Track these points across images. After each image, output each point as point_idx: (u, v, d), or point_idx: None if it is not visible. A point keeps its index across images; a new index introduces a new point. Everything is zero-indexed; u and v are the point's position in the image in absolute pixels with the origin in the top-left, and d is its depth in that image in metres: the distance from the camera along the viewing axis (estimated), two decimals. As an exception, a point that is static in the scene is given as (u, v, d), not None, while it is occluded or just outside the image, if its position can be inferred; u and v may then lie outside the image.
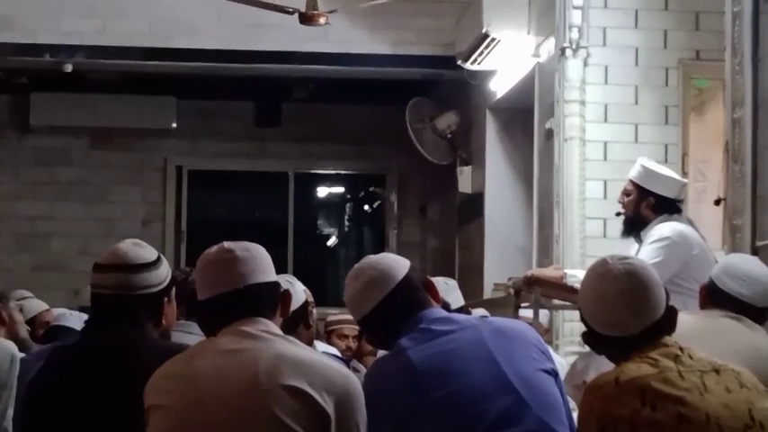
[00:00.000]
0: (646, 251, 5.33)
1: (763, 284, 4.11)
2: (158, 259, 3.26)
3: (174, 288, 3.32)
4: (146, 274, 3.20)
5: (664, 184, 5.50)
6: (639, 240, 5.53)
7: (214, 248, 2.98)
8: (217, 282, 2.92)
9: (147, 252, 3.24)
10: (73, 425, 3.05)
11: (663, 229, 5.36)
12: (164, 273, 3.26)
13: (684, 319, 3.09)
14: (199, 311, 3.01)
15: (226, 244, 2.97)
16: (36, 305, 6.82)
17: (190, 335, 3.78)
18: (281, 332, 2.92)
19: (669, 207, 5.48)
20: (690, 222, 5.48)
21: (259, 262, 2.95)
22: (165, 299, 3.27)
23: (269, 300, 2.96)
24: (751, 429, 2.80)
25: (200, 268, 2.98)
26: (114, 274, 3.19)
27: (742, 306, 4.03)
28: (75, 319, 6.05)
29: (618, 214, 5.67)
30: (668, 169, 5.84)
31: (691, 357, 2.92)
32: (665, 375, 2.84)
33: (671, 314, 3.01)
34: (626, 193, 5.60)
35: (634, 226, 5.54)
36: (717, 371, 2.91)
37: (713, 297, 4.10)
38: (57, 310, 6.82)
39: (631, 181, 5.58)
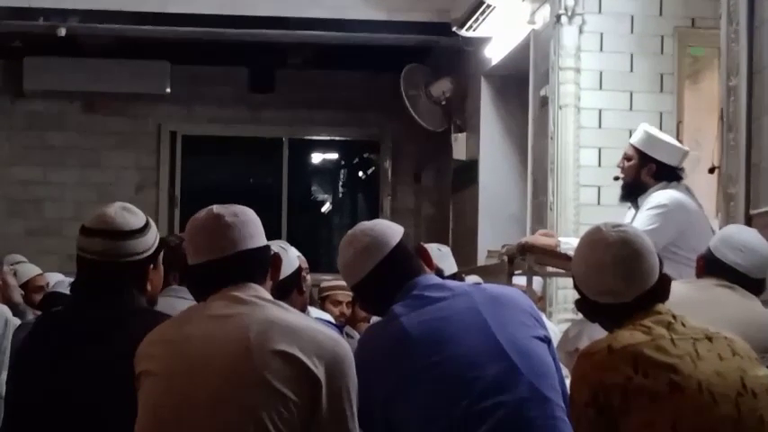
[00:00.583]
0: (642, 217, 5.31)
1: (761, 256, 4.11)
2: (146, 225, 3.23)
3: (161, 253, 3.30)
4: (132, 241, 3.17)
5: (666, 151, 5.45)
6: (636, 206, 5.49)
7: (203, 213, 2.96)
8: (207, 248, 2.91)
9: (135, 218, 3.21)
10: (59, 394, 3.04)
11: (660, 197, 5.33)
12: (151, 239, 3.23)
13: (678, 288, 3.09)
14: (188, 277, 3.00)
15: (215, 209, 2.95)
16: (29, 270, 6.82)
17: (182, 300, 3.78)
18: (271, 297, 2.91)
19: (670, 174, 5.42)
20: (688, 191, 5.44)
21: (249, 227, 2.94)
22: (152, 265, 3.25)
23: (259, 265, 2.95)
24: (743, 397, 2.81)
25: (189, 234, 2.96)
26: (100, 239, 3.16)
27: (738, 276, 4.03)
28: None
29: (616, 179, 5.61)
30: (670, 137, 5.81)
31: (683, 325, 2.92)
32: (658, 343, 2.84)
33: (664, 282, 3.01)
34: (626, 157, 5.53)
35: (633, 191, 5.48)
36: (709, 339, 2.91)
37: (710, 267, 4.10)
38: (52, 276, 6.80)
39: (633, 146, 5.51)
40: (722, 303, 3.90)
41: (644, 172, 5.43)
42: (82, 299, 3.20)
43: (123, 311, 3.12)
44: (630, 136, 7.23)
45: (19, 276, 6.26)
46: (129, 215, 3.21)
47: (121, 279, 3.17)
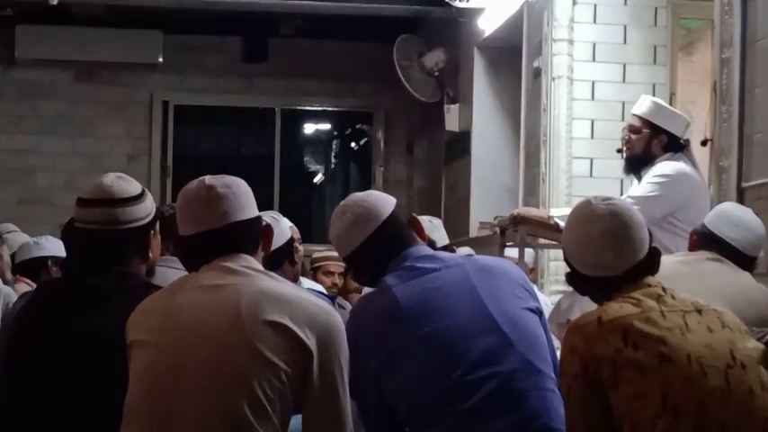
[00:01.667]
0: (643, 185, 5.23)
1: (754, 232, 4.12)
2: (143, 193, 3.23)
3: (158, 221, 3.31)
4: (131, 207, 3.18)
5: (675, 121, 5.36)
6: (640, 178, 5.39)
7: (194, 184, 2.96)
8: (198, 219, 2.91)
9: (132, 186, 3.22)
10: (55, 364, 3.04)
11: (665, 167, 5.24)
12: (149, 206, 3.24)
13: (669, 261, 3.10)
14: (180, 247, 3.00)
15: (207, 180, 2.95)
16: (20, 239, 6.80)
17: (174, 270, 3.77)
18: (262, 268, 2.92)
19: (676, 145, 5.35)
20: (693, 163, 5.38)
21: (240, 198, 2.94)
22: (152, 232, 3.25)
23: (251, 236, 2.95)
24: (732, 369, 2.82)
25: (180, 204, 2.96)
26: (99, 208, 3.16)
27: (731, 252, 4.04)
28: (52, 245, 6.02)
29: (619, 151, 5.52)
30: (672, 107, 5.77)
31: (673, 297, 2.93)
32: (648, 315, 2.85)
33: (654, 255, 3.01)
34: (633, 130, 5.38)
35: (640, 163, 5.36)
36: (699, 311, 2.92)
37: (704, 240, 4.11)
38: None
39: (640, 117, 5.39)
40: (712, 276, 3.91)
41: (655, 143, 5.31)
42: (83, 268, 3.19)
43: (123, 282, 3.12)
44: (624, 108, 7.27)
45: (9, 245, 6.25)
46: (125, 183, 3.22)
47: (123, 247, 3.17)
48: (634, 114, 5.45)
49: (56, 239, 5.90)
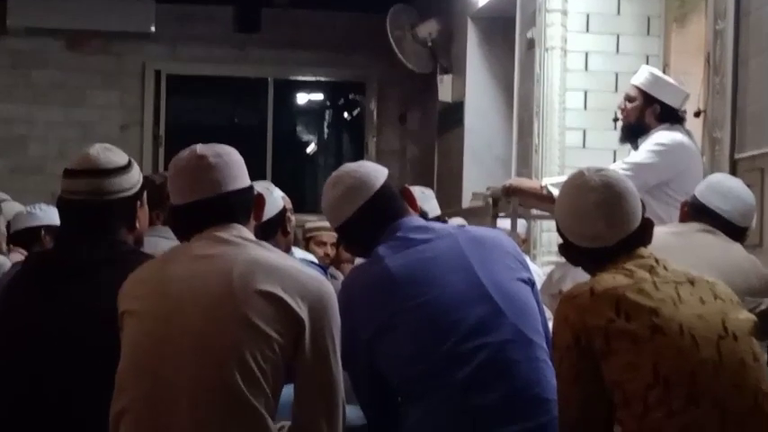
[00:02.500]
0: (639, 153, 5.25)
1: (745, 203, 4.12)
2: (129, 163, 3.23)
3: (145, 192, 3.30)
4: (117, 178, 3.18)
5: (671, 92, 5.38)
6: (637, 148, 5.40)
7: (186, 153, 2.95)
8: (190, 189, 2.90)
9: (118, 156, 3.21)
10: (44, 334, 3.04)
11: (662, 137, 5.26)
12: (135, 176, 3.23)
13: (660, 232, 3.10)
14: (172, 217, 3.00)
15: (198, 149, 2.94)
16: (15, 208, 6.78)
17: (165, 239, 3.77)
18: (254, 238, 2.91)
19: (672, 116, 5.37)
20: (689, 135, 5.40)
21: (232, 168, 2.93)
22: (138, 203, 3.25)
23: (243, 206, 2.95)
24: (724, 340, 2.82)
25: (172, 174, 2.95)
26: (85, 179, 3.16)
27: (722, 223, 4.04)
28: (45, 214, 6.00)
29: (615, 120, 5.55)
30: (672, 79, 5.77)
31: (666, 269, 2.93)
32: (640, 286, 2.85)
33: (647, 226, 3.01)
34: (628, 98, 5.41)
35: (635, 132, 5.37)
36: (691, 282, 2.92)
37: (694, 211, 4.11)
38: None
39: (636, 87, 5.41)
40: (704, 247, 3.91)
41: (648, 113, 5.34)
42: (71, 238, 3.19)
43: (112, 251, 3.12)
44: (617, 79, 7.27)
45: (5, 214, 6.24)
46: (112, 154, 3.21)
47: (110, 218, 3.17)
48: (632, 84, 5.47)
49: (49, 207, 5.88)
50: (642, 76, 5.43)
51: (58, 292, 3.07)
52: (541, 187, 5.54)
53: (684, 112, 5.41)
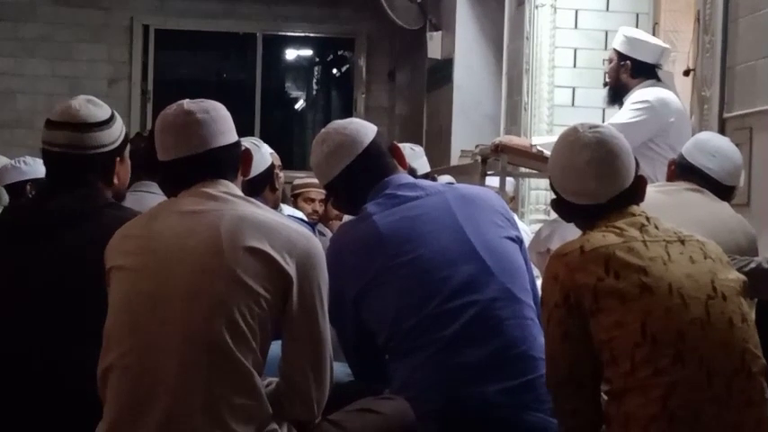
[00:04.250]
0: (622, 112, 5.30)
1: (732, 162, 4.12)
2: (111, 117, 3.20)
3: (127, 147, 3.27)
4: (97, 133, 3.15)
5: (641, 48, 5.44)
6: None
7: (173, 108, 2.92)
8: (177, 145, 2.88)
9: (100, 110, 3.19)
10: (20, 288, 3.02)
11: (644, 94, 5.31)
12: (116, 132, 3.21)
13: (649, 191, 3.09)
14: (159, 172, 2.98)
15: (185, 104, 2.91)
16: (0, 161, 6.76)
17: (150, 194, 3.75)
18: (242, 194, 2.90)
19: (646, 71, 5.41)
20: (671, 89, 5.43)
21: (220, 124, 2.91)
22: (118, 158, 3.22)
23: (230, 162, 2.93)
24: (713, 300, 2.83)
25: (159, 129, 2.93)
26: (65, 132, 3.14)
27: (709, 182, 4.04)
28: (30, 168, 5.97)
29: (605, 84, 5.64)
30: (648, 35, 5.80)
31: (656, 227, 2.93)
32: (630, 245, 2.85)
33: (640, 183, 3.01)
34: (609, 60, 5.56)
35: (617, 93, 5.49)
36: (682, 241, 2.92)
37: (681, 171, 4.11)
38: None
39: (614, 49, 5.53)
40: (692, 206, 3.91)
41: (622, 70, 5.43)
42: (47, 192, 3.17)
43: (90, 204, 3.10)
44: (606, 37, 7.26)
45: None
46: (94, 107, 3.18)
47: (88, 172, 3.14)
48: (612, 48, 5.56)
49: (35, 161, 5.86)
50: (617, 37, 5.54)
51: (32, 246, 3.04)
52: (531, 145, 5.56)
53: (659, 66, 5.43)
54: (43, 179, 4.68)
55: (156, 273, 2.74)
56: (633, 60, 5.40)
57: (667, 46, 5.58)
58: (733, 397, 2.78)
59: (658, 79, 5.39)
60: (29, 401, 2.97)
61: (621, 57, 5.43)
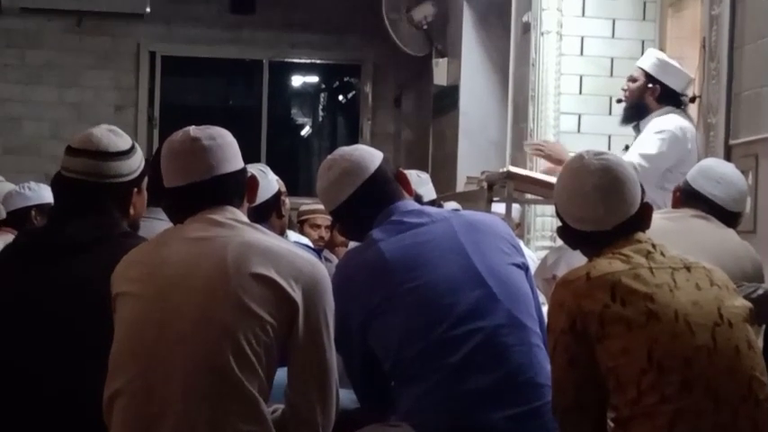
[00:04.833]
0: (646, 141, 5.33)
1: (737, 188, 4.12)
2: (132, 148, 3.22)
3: (145, 178, 3.29)
4: (117, 162, 3.17)
5: (673, 75, 5.46)
6: (637, 130, 5.52)
7: (179, 135, 2.93)
8: (183, 172, 2.89)
9: (121, 141, 3.20)
10: (31, 312, 3.03)
11: (666, 122, 5.34)
12: (136, 162, 3.22)
13: (655, 218, 3.09)
14: (165, 199, 2.99)
15: (192, 131, 2.92)
16: (5, 188, 6.76)
17: (159, 221, 3.75)
18: (248, 220, 2.91)
19: (673, 100, 5.44)
20: (689, 118, 5.45)
21: (226, 150, 2.92)
22: (135, 189, 3.24)
23: (236, 188, 2.94)
24: (719, 327, 2.82)
25: (165, 156, 2.94)
26: (85, 159, 3.15)
27: (714, 208, 4.04)
28: (35, 193, 5.96)
29: (619, 101, 5.64)
30: (677, 62, 5.83)
31: (663, 254, 2.93)
32: (637, 272, 2.85)
33: (645, 210, 3.01)
34: (632, 79, 5.54)
35: (635, 114, 5.50)
36: (688, 268, 2.92)
37: (687, 197, 4.11)
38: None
39: (640, 68, 5.53)
40: (698, 233, 3.91)
41: (648, 94, 5.44)
42: (62, 217, 3.19)
43: (105, 231, 3.11)
44: (612, 64, 7.27)
45: (-4, 194, 6.20)
46: (116, 137, 3.20)
47: (104, 200, 3.16)
48: (637, 66, 5.57)
49: (38, 186, 5.86)
50: (647, 58, 5.57)
51: (45, 271, 3.06)
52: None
53: (686, 96, 5.46)
54: (48, 204, 4.68)
55: (162, 299, 2.75)
56: (662, 85, 5.41)
57: (693, 76, 5.60)
58: (739, 424, 2.78)
59: (678, 107, 5.43)
60: (37, 424, 2.97)
61: (650, 79, 5.44)
